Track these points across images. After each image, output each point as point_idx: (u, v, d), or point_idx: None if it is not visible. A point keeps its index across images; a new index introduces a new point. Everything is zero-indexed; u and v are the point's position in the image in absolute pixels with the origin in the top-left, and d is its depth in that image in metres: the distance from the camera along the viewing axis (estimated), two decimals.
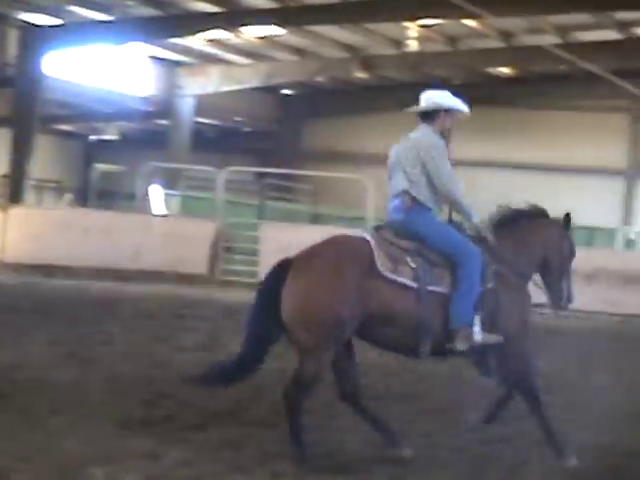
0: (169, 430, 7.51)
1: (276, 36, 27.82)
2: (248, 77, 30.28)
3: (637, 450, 7.86)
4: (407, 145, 7.64)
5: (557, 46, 24.88)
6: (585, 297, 21.27)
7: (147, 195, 26.39)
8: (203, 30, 25.87)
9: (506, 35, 26.89)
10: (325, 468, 6.74)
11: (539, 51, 25.27)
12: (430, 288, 7.02)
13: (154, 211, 26.12)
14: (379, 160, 35.90)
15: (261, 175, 30.14)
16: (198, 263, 22.49)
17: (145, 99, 31.04)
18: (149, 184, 26.54)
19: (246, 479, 6.43)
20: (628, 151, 31.01)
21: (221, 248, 22.94)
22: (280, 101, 35.13)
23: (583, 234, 26.78)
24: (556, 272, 7.78)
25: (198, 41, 28.14)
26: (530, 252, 7.66)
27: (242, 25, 25.79)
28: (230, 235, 23.62)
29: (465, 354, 7.24)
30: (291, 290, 6.89)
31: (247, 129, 37.00)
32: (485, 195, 31.87)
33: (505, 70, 30.82)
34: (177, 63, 30.66)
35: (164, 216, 25.65)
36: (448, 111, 7.85)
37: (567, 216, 8.01)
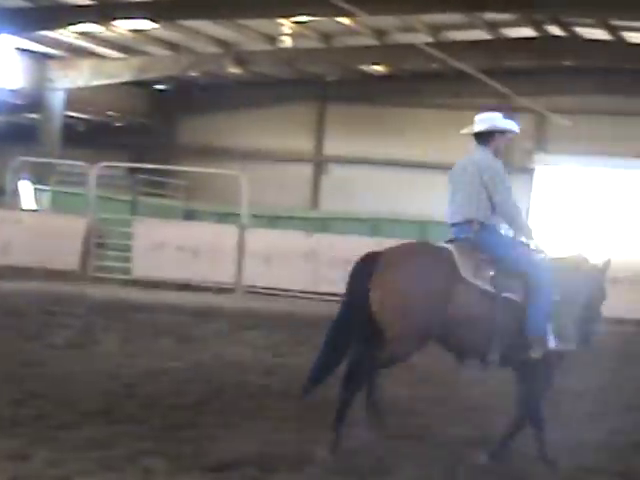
0: (39, 429, 7.36)
1: (149, 30, 27.51)
2: (120, 71, 29.87)
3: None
4: (469, 168, 7.96)
5: (429, 45, 25.20)
6: None
7: (16, 190, 25.81)
8: (74, 23, 25.42)
9: (379, 33, 27.14)
10: (206, 467, 6.69)
11: (412, 49, 25.58)
12: (505, 295, 7.35)
13: (24, 206, 25.56)
14: (254, 156, 36.13)
15: (134, 170, 29.79)
16: (69, 259, 22.11)
17: (14, 92, 30.32)
18: (18, 179, 25.96)
19: (117, 477, 6.33)
20: None
21: (93, 244, 22.59)
22: (153, 96, 34.78)
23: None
24: (592, 314, 7.99)
25: (69, 34, 27.63)
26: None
27: (114, 19, 25.43)
28: (102, 231, 23.27)
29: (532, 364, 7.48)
30: (384, 280, 7.27)
31: (119, 124, 36.50)
32: (361, 192, 32.36)
33: (378, 68, 31.10)
34: (47, 56, 30.04)
35: (34, 211, 25.15)
36: (502, 132, 8.04)
37: (607, 262, 8.07)
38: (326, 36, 27.75)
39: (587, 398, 10.58)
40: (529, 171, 31.18)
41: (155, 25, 26.61)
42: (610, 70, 28.00)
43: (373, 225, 26.92)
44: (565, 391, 10.68)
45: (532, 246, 7.76)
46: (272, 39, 27.43)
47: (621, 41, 25.86)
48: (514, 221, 7.74)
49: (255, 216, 24.96)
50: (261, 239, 22.73)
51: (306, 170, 33.67)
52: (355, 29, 26.57)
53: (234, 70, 29.88)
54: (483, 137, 7.99)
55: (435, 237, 25.86)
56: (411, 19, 25.43)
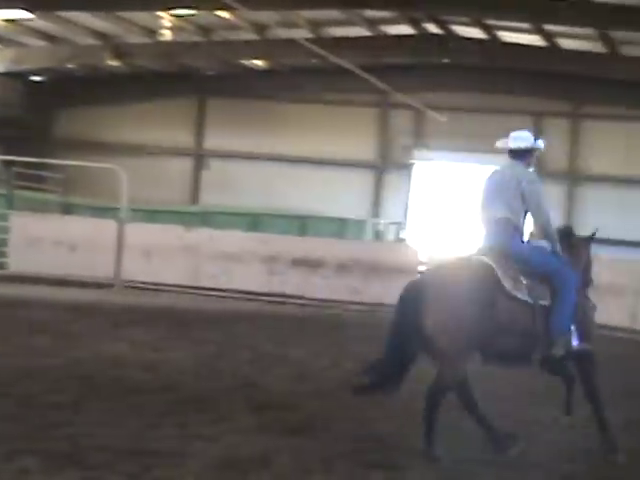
0: None
1: (25, 20, 26.95)
2: None
3: (380, 435, 8.10)
4: (506, 177, 8.46)
5: (309, 40, 25.29)
6: (336, 287, 21.93)
7: None
8: None
9: (260, 28, 27.13)
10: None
11: (292, 45, 25.62)
12: (540, 302, 7.98)
13: None
14: (133, 150, 35.61)
15: (9, 163, 29.17)
16: None
17: None
18: None
19: None
20: (377, 144, 31.94)
21: None
22: (29, 87, 34.07)
23: (335, 225, 27.40)
24: (587, 282, 8.72)
25: None
26: (581, 267, 8.65)
27: None
28: None
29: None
30: (435, 307, 7.72)
31: None
32: (241, 186, 32.31)
33: (259, 63, 31.08)
34: None
35: None
36: (535, 150, 8.69)
37: (594, 234, 9.05)
38: (206, 30, 27.62)
39: None
40: (408, 166, 31.59)
41: (31, 15, 26.08)
42: (486, 68, 28.53)
43: (253, 220, 26.94)
44: None
45: (555, 252, 8.39)
46: (152, 32, 27.19)
47: (495, 40, 26.39)
48: (546, 227, 8.37)
49: (134, 210, 24.73)
50: (140, 234, 22.56)
51: (186, 164, 33.47)
52: (235, 23, 26.50)
53: (113, 63, 29.50)
54: (519, 153, 8.64)
55: (314, 232, 26.25)
56: (291, 14, 25.50)
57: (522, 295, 7.91)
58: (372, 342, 15.14)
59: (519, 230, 8.30)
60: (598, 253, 9.41)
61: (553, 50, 25.95)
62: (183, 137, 33.36)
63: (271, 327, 16.77)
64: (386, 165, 31.85)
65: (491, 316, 7.73)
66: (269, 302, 21.47)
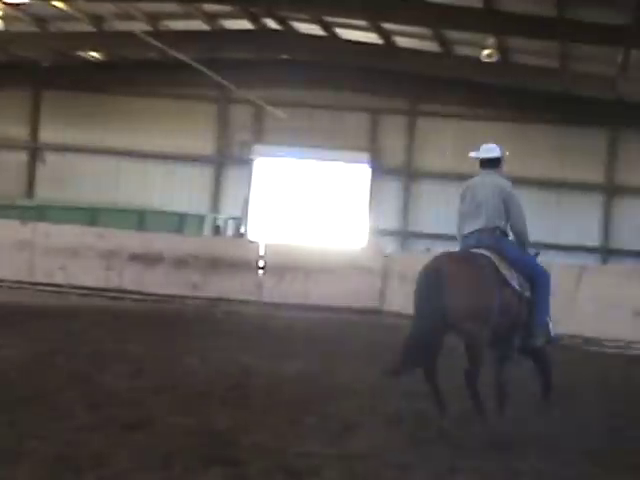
0: None
1: None
2: None
3: (219, 430, 8.12)
4: (488, 186, 9.31)
5: (147, 33, 25.05)
6: (175, 282, 21.82)
7: None
8: None
9: (97, 19, 26.71)
10: None
11: (130, 37, 25.34)
12: (526, 294, 8.94)
13: None
14: None
15: None
16: None
17: None
18: None
19: None
20: (216, 140, 31.86)
21: None
22: None
23: (174, 220, 27.25)
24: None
25: None
26: None
27: None
28: None
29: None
30: (458, 294, 8.52)
31: None
32: (79, 181, 31.75)
33: (96, 55, 30.59)
34: None
35: None
36: (503, 158, 9.58)
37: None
38: (41, 20, 27.03)
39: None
40: (248, 162, 31.63)
41: None
42: (325, 65, 28.81)
43: (91, 214, 26.56)
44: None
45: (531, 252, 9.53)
46: None
47: (334, 37, 26.68)
48: (523, 232, 9.37)
49: None
50: None
51: (21, 158, 32.69)
52: (71, 14, 26.02)
53: None
54: (492, 163, 9.45)
55: (153, 227, 26.00)
56: (129, 7, 25.20)
57: (515, 285, 8.84)
58: (211, 337, 15.19)
59: (506, 234, 9.30)
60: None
61: (390, 48, 26.40)
62: (17, 130, 32.59)
63: (109, 323, 16.55)
64: (225, 160, 31.82)
65: (495, 301, 8.66)
66: (107, 297, 21.19)
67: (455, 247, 9.79)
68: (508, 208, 9.19)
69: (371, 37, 25.91)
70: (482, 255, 8.87)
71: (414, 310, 8.73)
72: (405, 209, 30.48)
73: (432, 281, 8.58)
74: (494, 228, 9.14)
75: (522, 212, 9.32)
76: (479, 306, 8.55)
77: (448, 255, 9.18)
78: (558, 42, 22.88)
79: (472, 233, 9.25)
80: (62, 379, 10.07)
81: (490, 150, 9.48)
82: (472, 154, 9.60)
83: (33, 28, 27.44)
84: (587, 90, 25.03)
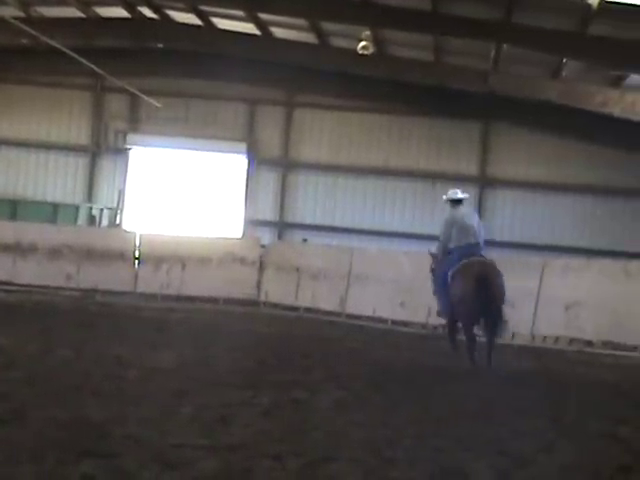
0: None
1: None
2: None
3: (93, 422, 8.04)
4: (467, 216, 14.15)
5: (18, 19, 24.53)
6: (48, 272, 21.49)
7: None
8: None
9: None
10: None
11: (1, 23, 24.75)
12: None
13: None
14: None
15: None
16: None
17: None
18: None
19: None
20: (91, 129, 31.42)
21: None
22: None
23: (48, 210, 26.82)
24: None
25: None
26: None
27: None
28: None
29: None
30: (499, 287, 13.23)
31: None
32: None
33: None
34: None
35: None
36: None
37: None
38: None
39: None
40: (124, 151, 31.28)
41: None
42: (201, 54, 28.66)
43: (9, 207, 26.09)
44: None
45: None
46: None
47: (211, 26, 26.57)
48: (484, 245, 14.04)
49: None
50: None
51: None
52: None
53: None
54: (460, 201, 14.21)
55: (25, 216, 25.53)
56: None
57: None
58: (86, 328, 15.02)
59: (483, 249, 13.90)
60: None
61: (267, 39, 26.41)
62: None
63: None
64: (100, 150, 31.41)
65: None
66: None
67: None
68: (480, 230, 13.90)
69: (248, 27, 25.86)
70: (491, 260, 13.65)
71: (464, 295, 12.96)
72: (282, 200, 30.56)
73: (481, 277, 12.90)
74: (478, 243, 13.72)
75: (483, 234, 14.04)
76: (505, 292, 13.24)
77: (479, 261, 13.39)
78: (432, 35, 23.21)
79: (465, 246, 13.56)
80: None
81: (459, 193, 14.24)
82: (449, 195, 14.23)
83: None
84: (460, 83, 25.41)
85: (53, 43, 24.80)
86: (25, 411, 8.23)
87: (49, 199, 29.25)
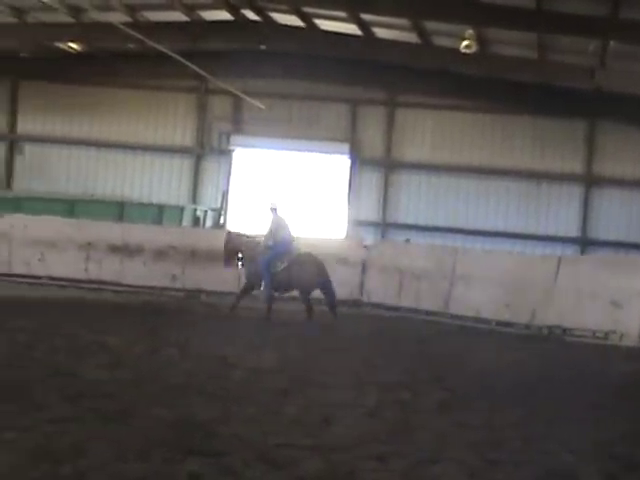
0: None
1: None
2: None
3: (198, 421, 8.11)
4: (284, 218, 18.38)
5: (126, 24, 24.94)
6: (154, 273, 21.77)
7: None
8: None
9: (76, 10, 26.57)
10: None
11: (109, 28, 25.19)
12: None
13: None
14: None
15: None
16: None
17: None
18: None
19: None
20: (195, 131, 31.79)
21: None
22: None
23: (153, 212, 27.18)
24: None
25: None
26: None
27: None
28: None
29: None
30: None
31: None
32: (57, 172, 31.67)
33: (75, 46, 30.45)
34: None
35: None
36: None
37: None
38: (20, 11, 26.87)
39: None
40: (227, 152, 31.57)
41: None
42: (304, 55, 28.77)
43: (70, 206, 26.47)
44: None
45: None
46: None
47: (313, 28, 26.63)
48: None
49: None
50: None
51: None
52: (50, 5, 25.88)
53: None
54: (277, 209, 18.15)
55: (132, 218, 25.91)
56: None
57: None
58: (191, 328, 15.18)
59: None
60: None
61: (369, 39, 26.38)
62: None
63: (87, 314, 16.53)
64: (205, 152, 31.75)
65: None
66: (86, 289, 21.13)
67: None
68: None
69: (350, 28, 25.86)
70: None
71: None
72: (384, 200, 30.49)
73: None
74: (293, 241, 18.55)
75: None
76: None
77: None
78: (537, 33, 22.91)
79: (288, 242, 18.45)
80: (41, 371, 10.05)
81: (278, 202, 18.59)
82: (271, 204, 18.48)
83: (11, 19, 27.27)
84: (565, 81, 25.03)
85: (159, 47, 25.14)
86: (132, 410, 8.35)
87: (154, 201, 29.66)
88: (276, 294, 18.17)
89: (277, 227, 18.20)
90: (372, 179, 30.77)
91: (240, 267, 18.81)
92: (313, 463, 6.94)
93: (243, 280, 18.86)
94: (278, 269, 17.80)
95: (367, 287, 21.84)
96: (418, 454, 7.37)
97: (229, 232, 19.00)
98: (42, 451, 6.79)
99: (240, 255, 18.51)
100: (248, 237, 18.75)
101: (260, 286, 18.18)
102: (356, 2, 22.65)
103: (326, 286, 18.06)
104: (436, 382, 11.08)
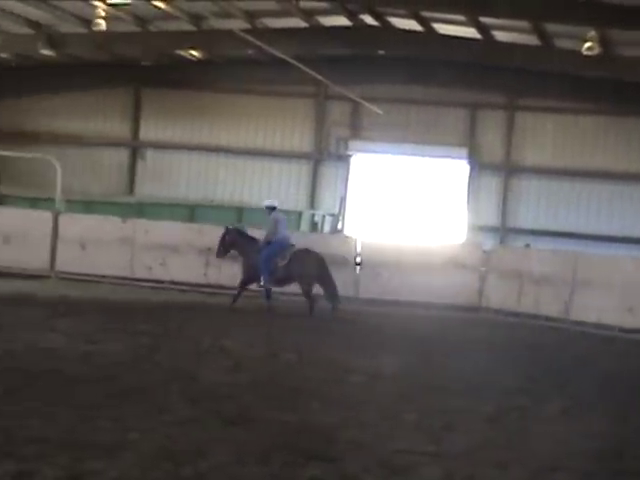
0: None
1: None
2: None
3: (318, 426, 8.13)
4: (282, 215, 19.23)
5: (246, 31, 25.22)
6: None
7: None
8: None
9: (196, 18, 26.99)
10: None
11: (228, 35, 25.53)
12: None
13: None
14: (68, 140, 35.20)
15: None
16: None
17: None
18: None
19: None
20: (313, 136, 31.95)
21: None
22: None
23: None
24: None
25: None
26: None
27: None
28: None
29: None
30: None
31: None
32: (178, 178, 32.18)
33: (195, 53, 30.93)
34: None
35: None
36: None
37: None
38: (142, 20, 27.41)
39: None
40: (345, 158, 31.64)
41: None
42: (422, 60, 28.68)
43: (190, 211, 26.85)
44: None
45: None
46: (87, 22, 26.89)
47: (432, 32, 26.51)
48: None
49: (69, 201, 24.51)
50: (76, 225, 22.38)
51: (122, 155, 33.23)
52: (171, 14, 26.35)
53: (47, 52, 29.13)
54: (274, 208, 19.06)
55: (288, 225, 26.28)
56: (227, 5, 25.40)
57: None
58: (308, 333, 15.23)
59: None
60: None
61: (488, 42, 26.14)
62: (119, 127, 33.13)
63: (207, 318, 16.73)
64: (322, 157, 31.88)
65: None
66: (206, 293, 21.40)
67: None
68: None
69: (469, 32, 25.68)
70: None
71: None
72: (504, 205, 30.18)
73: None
74: (288, 236, 19.36)
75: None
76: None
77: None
78: None
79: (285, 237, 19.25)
80: (163, 374, 10.21)
81: (273, 200, 19.83)
82: (266, 202, 19.54)
83: (134, 28, 27.84)
84: None
85: (277, 53, 25.36)
86: (251, 413, 8.41)
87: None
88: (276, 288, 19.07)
89: (276, 224, 18.79)
90: (491, 184, 30.47)
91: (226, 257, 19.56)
92: (432, 469, 6.89)
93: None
94: (279, 264, 18.50)
95: (486, 292, 21.63)
96: (539, 462, 7.25)
97: (228, 228, 19.48)
98: (164, 452, 6.88)
99: (234, 250, 19.28)
100: (247, 235, 19.27)
101: (259, 281, 18.82)
102: (475, 5, 22.44)
103: (326, 279, 18.68)
104: (557, 389, 10.90)
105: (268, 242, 18.75)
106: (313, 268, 18.66)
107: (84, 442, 6.97)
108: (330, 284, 18.72)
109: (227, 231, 19.44)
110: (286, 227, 19.34)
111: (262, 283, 18.82)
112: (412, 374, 11.45)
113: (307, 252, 18.92)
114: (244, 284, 19.09)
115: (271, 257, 18.62)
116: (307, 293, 18.63)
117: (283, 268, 18.61)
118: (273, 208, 19.16)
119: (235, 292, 18.94)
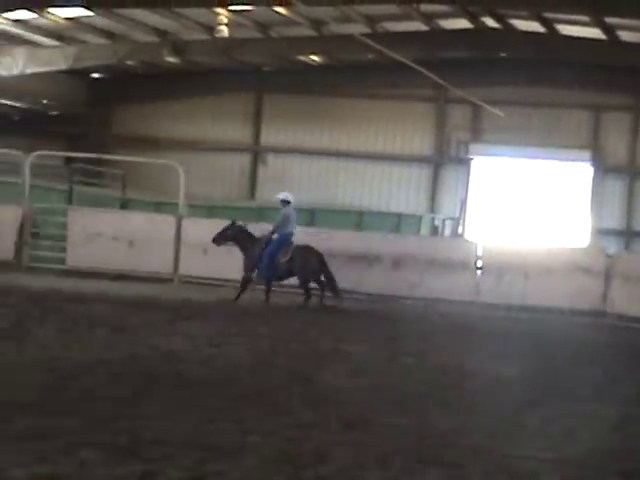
0: None
1: (84, 18, 27.25)
2: (55, 59, 29.52)
3: (437, 431, 8.08)
4: (293, 209, 19.69)
5: (366, 35, 25.28)
6: (392, 282, 21.88)
7: None
8: (9, 10, 25.08)
9: (316, 23, 27.17)
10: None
11: (349, 40, 25.64)
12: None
13: None
14: (191, 145, 35.90)
15: (69, 160, 29.50)
16: (4, 249, 21.89)
17: None
18: None
19: (52, 469, 6.28)
20: (434, 139, 31.84)
21: (28, 234, 22.38)
22: (89, 84, 34.48)
23: (392, 220, 27.35)
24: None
25: (3, 21, 27.28)
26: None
27: (49, 6, 25.13)
28: (37, 221, 23.07)
29: None
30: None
31: (55, 112, 36.14)
32: (297, 181, 32.43)
33: (316, 58, 31.12)
34: None
35: None
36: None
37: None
38: (263, 26, 27.72)
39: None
40: (466, 161, 31.44)
41: (90, 13, 26.36)
42: (544, 61, 28.32)
43: (310, 215, 26.97)
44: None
45: None
46: (209, 28, 27.33)
47: (554, 33, 26.16)
48: None
49: (192, 206, 24.87)
50: (198, 229, 22.68)
51: (243, 160, 33.64)
52: (292, 19, 26.57)
53: (171, 59, 29.72)
54: (288, 202, 19.61)
55: (371, 227, 26.22)
56: (348, 10, 25.49)
57: None
58: (428, 337, 15.17)
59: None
60: None
61: (613, 43, 25.67)
62: (240, 133, 33.55)
63: (328, 322, 16.79)
64: (443, 160, 31.73)
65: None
66: (325, 297, 21.45)
67: None
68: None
69: (593, 32, 25.27)
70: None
71: None
72: (629, 208, 29.59)
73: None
74: (294, 228, 19.94)
75: None
76: None
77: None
78: None
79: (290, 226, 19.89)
80: (283, 377, 10.28)
81: (288, 195, 19.90)
82: (280, 195, 19.96)
83: (256, 34, 28.16)
84: None
85: (398, 57, 25.34)
86: (371, 417, 8.40)
87: (393, 209, 29.85)
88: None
89: (286, 220, 19.55)
90: (615, 187, 29.90)
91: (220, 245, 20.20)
92: (553, 477, 6.78)
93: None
94: (281, 260, 19.28)
95: (610, 297, 21.20)
96: None
97: (233, 222, 20.20)
98: (285, 455, 6.93)
99: (234, 244, 20.06)
100: (248, 233, 20.00)
101: (255, 275, 19.70)
102: (600, 5, 22.06)
103: (327, 275, 19.46)
104: None
105: (272, 233, 19.56)
106: (314, 264, 19.38)
107: (206, 444, 7.06)
108: (331, 279, 19.44)
109: (230, 226, 20.15)
110: (294, 224, 19.90)
111: (255, 277, 19.65)
112: (534, 379, 11.30)
113: (308, 249, 19.57)
114: (246, 282, 19.74)
115: (274, 254, 19.36)
116: (305, 286, 19.43)
117: (285, 264, 19.38)
118: (288, 202, 19.79)
119: (239, 290, 19.68)
